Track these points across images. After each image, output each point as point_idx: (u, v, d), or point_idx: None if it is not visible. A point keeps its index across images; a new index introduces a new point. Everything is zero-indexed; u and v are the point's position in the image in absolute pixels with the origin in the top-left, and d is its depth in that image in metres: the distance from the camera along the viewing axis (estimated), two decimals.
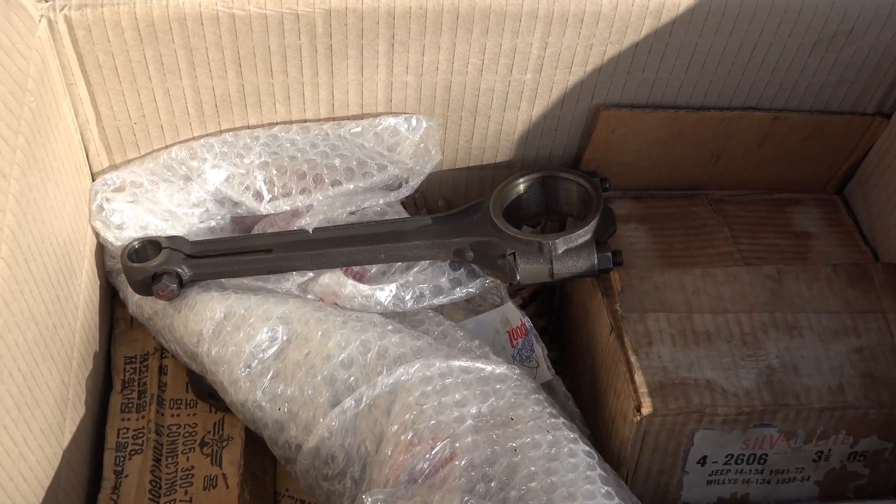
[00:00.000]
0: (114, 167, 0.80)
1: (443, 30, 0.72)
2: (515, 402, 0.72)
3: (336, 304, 0.78)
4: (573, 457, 0.68)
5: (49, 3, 0.68)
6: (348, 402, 0.71)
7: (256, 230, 0.83)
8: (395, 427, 0.70)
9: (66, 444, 0.70)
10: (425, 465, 0.69)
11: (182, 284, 0.77)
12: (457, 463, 0.68)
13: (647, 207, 0.85)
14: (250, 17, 0.70)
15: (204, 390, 0.79)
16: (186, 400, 0.80)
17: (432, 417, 0.70)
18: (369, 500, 0.66)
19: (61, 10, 0.68)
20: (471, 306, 0.82)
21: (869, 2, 0.72)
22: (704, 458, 0.74)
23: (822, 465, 0.75)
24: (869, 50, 0.76)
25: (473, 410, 0.70)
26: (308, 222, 0.79)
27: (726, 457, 0.74)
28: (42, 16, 0.68)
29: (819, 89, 0.79)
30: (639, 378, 0.72)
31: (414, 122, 0.79)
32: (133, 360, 0.82)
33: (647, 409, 0.71)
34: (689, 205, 0.86)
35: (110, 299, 0.84)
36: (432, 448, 0.69)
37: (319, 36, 0.72)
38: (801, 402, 0.72)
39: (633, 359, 0.73)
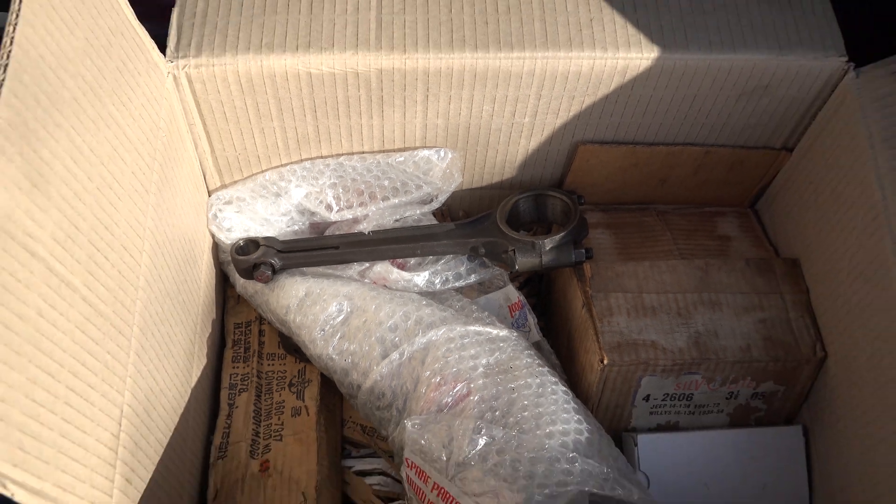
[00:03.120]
0: (224, 186, 0.80)
1: (464, 85, 0.71)
2: (513, 356, 0.72)
3: (385, 286, 0.78)
4: (554, 394, 0.69)
5: (174, 63, 0.67)
6: (395, 356, 0.72)
7: (328, 232, 0.82)
8: (428, 373, 0.71)
9: (193, 384, 0.71)
10: (449, 400, 0.69)
11: (275, 272, 0.77)
12: (471, 398, 0.68)
13: (611, 217, 0.85)
14: (322, 75, 0.70)
15: (291, 347, 0.80)
16: (278, 354, 0.80)
17: (454, 366, 0.70)
18: (409, 423, 0.68)
19: (183, 68, 0.68)
20: (482, 288, 0.82)
21: (781, 63, 0.71)
22: (648, 396, 0.74)
23: (732, 401, 0.76)
24: (779, 101, 0.75)
25: (484, 361, 0.71)
26: (365, 227, 0.79)
27: (664, 395, 0.75)
28: (169, 73, 0.67)
29: (741, 130, 0.79)
30: (602, 339, 0.73)
31: (442, 153, 0.79)
32: (240, 325, 0.83)
33: (607, 361, 0.72)
34: (641, 215, 0.85)
35: (223, 283, 0.85)
36: (454, 388, 0.70)
37: (373, 89, 0.71)
38: (719, 358, 0.73)
39: (598, 325, 0.73)
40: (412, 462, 0.67)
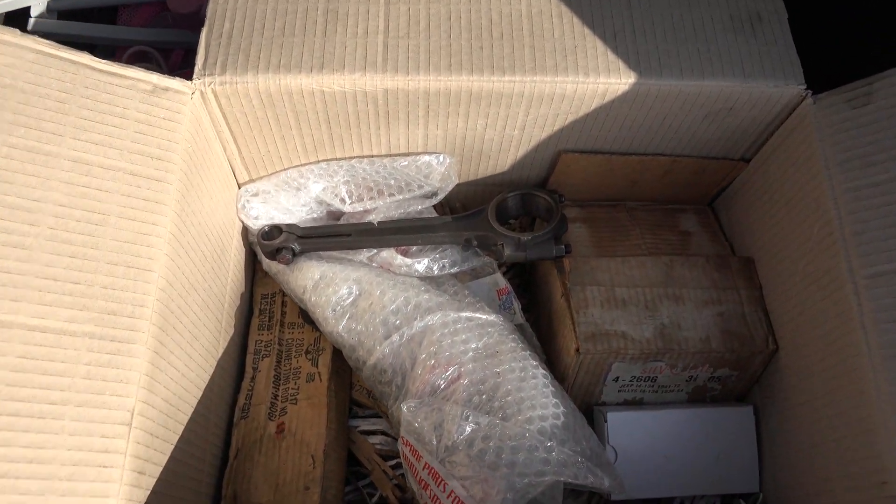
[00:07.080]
0: (251, 181, 0.72)
1: (461, 103, 0.63)
2: (500, 340, 0.64)
3: (390, 270, 0.70)
4: (535, 378, 0.61)
5: (202, 80, 0.59)
6: (395, 337, 0.65)
7: (342, 222, 0.75)
8: (423, 355, 0.63)
9: (219, 355, 0.64)
10: (441, 383, 0.62)
11: (294, 255, 0.70)
12: (462, 381, 0.61)
13: (586, 212, 0.76)
14: (335, 93, 0.61)
15: (309, 319, 0.72)
16: (298, 323, 0.73)
17: (447, 350, 0.63)
18: (405, 407, 0.61)
19: (209, 85, 0.59)
20: (474, 273, 0.74)
21: (745, 89, 0.61)
22: (617, 377, 0.66)
23: (691, 383, 0.68)
24: (741, 120, 0.65)
25: (473, 346, 0.63)
26: (374, 218, 0.72)
27: (631, 377, 0.67)
28: (195, 90, 0.59)
29: (704, 143, 0.68)
30: (578, 329, 0.65)
31: (441, 158, 0.70)
32: (266, 296, 0.75)
33: (582, 350, 0.64)
34: (613, 211, 0.76)
35: (253, 258, 0.77)
36: (446, 371, 0.62)
37: (380, 106, 0.63)
38: (681, 348, 0.65)
39: (575, 316, 0.65)
40: (407, 441, 0.60)
